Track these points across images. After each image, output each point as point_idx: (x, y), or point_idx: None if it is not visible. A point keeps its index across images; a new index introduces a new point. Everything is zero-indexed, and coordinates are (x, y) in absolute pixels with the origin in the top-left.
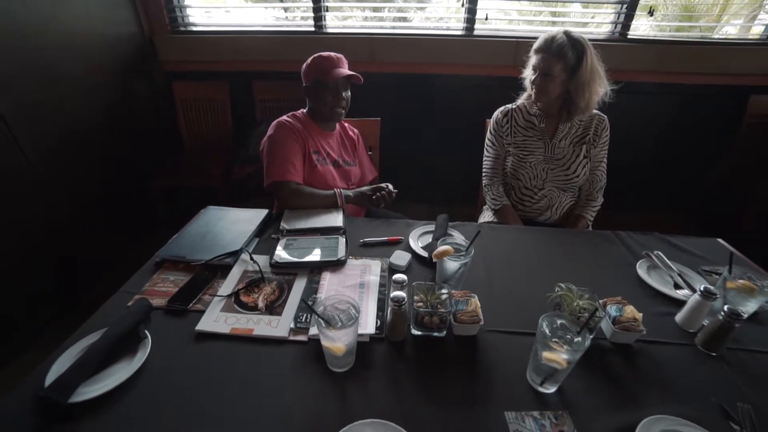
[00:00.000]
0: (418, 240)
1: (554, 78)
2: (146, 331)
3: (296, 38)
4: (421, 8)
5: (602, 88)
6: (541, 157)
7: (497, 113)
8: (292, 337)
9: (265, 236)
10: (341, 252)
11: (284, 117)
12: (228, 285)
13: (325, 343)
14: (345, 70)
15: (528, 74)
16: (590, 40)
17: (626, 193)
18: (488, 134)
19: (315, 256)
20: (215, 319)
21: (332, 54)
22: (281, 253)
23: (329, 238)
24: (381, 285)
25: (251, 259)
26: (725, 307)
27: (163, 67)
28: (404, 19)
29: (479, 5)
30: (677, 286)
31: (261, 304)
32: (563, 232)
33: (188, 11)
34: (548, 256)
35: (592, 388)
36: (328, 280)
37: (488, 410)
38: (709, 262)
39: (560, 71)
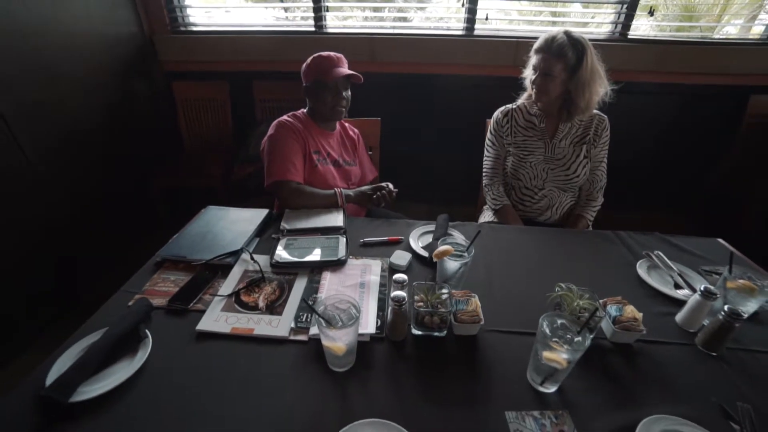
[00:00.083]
0: (418, 240)
1: (554, 78)
2: (147, 331)
3: (296, 38)
4: (422, 8)
5: (602, 88)
6: (541, 157)
7: (497, 113)
8: (292, 337)
9: (266, 236)
10: (342, 252)
11: (284, 117)
12: (228, 285)
13: (325, 342)
14: (345, 70)
15: (528, 74)
16: (590, 40)
17: (626, 193)
18: (488, 134)
19: (315, 255)
20: (216, 319)
21: (332, 54)
22: (282, 253)
23: (330, 237)
24: (381, 285)
25: (252, 258)
26: (725, 307)
27: (163, 67)
28: (404, 19)
29: (479, 5)
30: (677, 286)
31: (261, 303)
32: (563, 232)
33: (188, 11)
34: (548, 256)
35: (593, 388)
36: (328, 279)
37: (488, 410)
38: (710, 262)
39: (560, 71)
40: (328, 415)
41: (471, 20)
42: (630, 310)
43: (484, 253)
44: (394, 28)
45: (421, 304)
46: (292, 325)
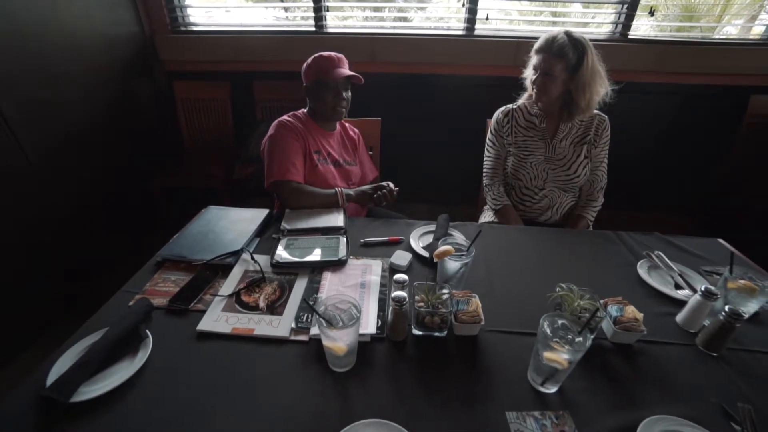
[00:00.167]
0: (418, 240)
1: (555, 78)
2: (147, 331)
3: (297, 38)
4: (422, 8)
5: (603, 88)
6: (541, 158)
7: (498, 113)
8: (293, 337)
9: (266, 236)
10: (342, 252)
11: (285, 117)
12: (229, 285)
13: (326, 342)
14: (345, 71)
15: (529, 74)
16: (591, 40)
17: (627, 193)
18: (489, 134)
19: (316, 255)
20: (216, 319)
21: (333, 54)
22: (282, 253)
23: (330, 238)
24: (382, 285)
25: (252, 258)
26: (726, 308)
27: (164, 66)
28: (405, 19)
29: (480, 5)
30: (678, 287)
31: (262, 303)
32: (564, 232)
33: (189, 11)
34: (549, 256)
35: (593, 388)
36: (329, 279)
37: (489, 410)
38: (710, 263)
39: (561, 71)
40: (328, 415)
41: (471, 20)
42: (631, 311)
43: (485, 253)
44: (394, 28)
45: (421, 304)
46: (293, 325)
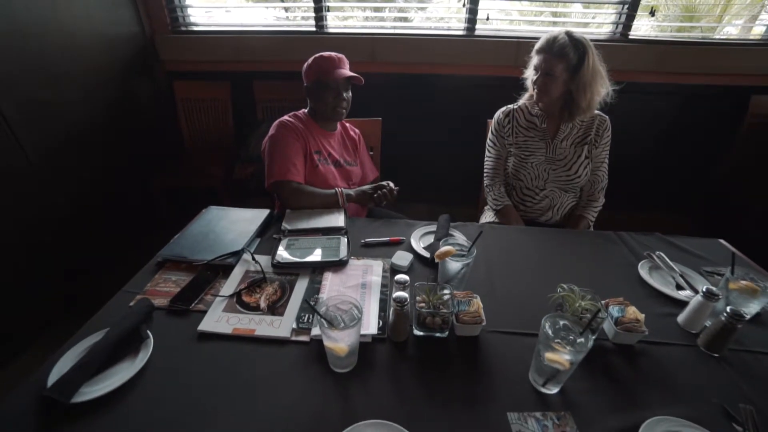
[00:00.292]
0: (419, 240)
1: (556, 78)
2: (148, 332)
3: (297, 38)
4: (422, 8)
5: (604, 89)
6: (542, 158)
7: (499, 113)
8: (294, 338)
9: (267, 236)
10: (343, 252)
11: (285, 117)
12: (230, 285)
13: (327, 343)
14: (346, 71)
15: (529, 74)
16: (591, 40)
17: (627, 193)
18: (489, 134)
19: (317, 256)
20: (217, 320)
21: (333, 54)
22: (283, 253)
23: (331, 238)
24: (383, 285)
25: (253, 259)
26: (728, 308)
27: (164, 66)
28: (405, 19)
29: (480, 5)
30: (679, 287)
31: (263, 304)
32: (565, 233)
33: (189, 11)
34: (550, 256)
35: (595, 389)
36: (330, 280)
37: (491, 411)
38: (711, 263)
39: (562, 71)
40: (329, 416)
41: (472, 20)
42: (632, 311)
43: (486, 253)
44: (394, 28)
45: (422, 304)
46: (294, 325)
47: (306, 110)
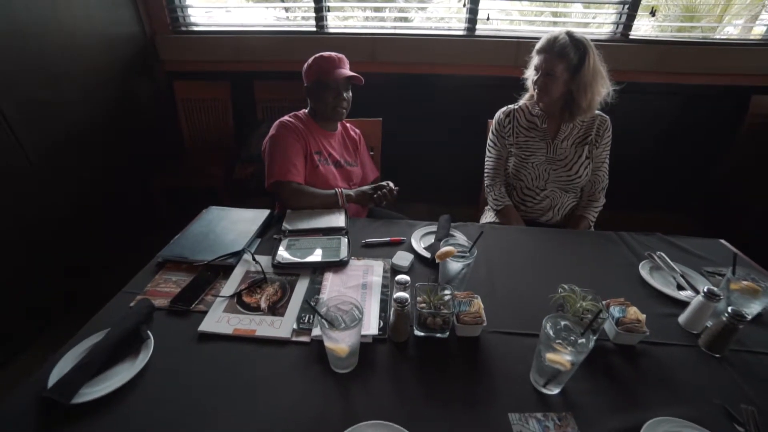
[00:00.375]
0: (420, 241)
1: (556, 78)
2: (149, 332)
3: (297, 38)
4: (423, 8)
5: (604, 89)
6: (543, 158)
7: (499, 113)
8: (294, 338)
9: (267, 236)
10: (343, 252)
11: (286, 117)
12: (230, 285)
13: (328, 344)
14: (346, 71)
15: (530, 75)
16: (592, 40)
17: (628, 193)
18: (490, 134)
19: (317, 256)
20: (218, 320)
21: (333, 54)
22: (283, 254)
23: (331, 238)
24: (383, 286)
25: (253, 259)
26: (729, 309)
27: (164, 66)
28: (405, 20)
29: (480, 5)
30: (680, 287)
31: (263, 304)
32: (565, 233)
33: (189, 11)
34: (551, 256)
35: (596, 390)
36: (330, 280)
37: (491, 412)
38: (712, 263)
39: (562, 71)
40: (330, 416)
41: (472, 20)
42: (633, 312)
43: (486, 253)
44: (395, 28)
45: (423, 305)
46: (295, 326)
47: (306, 110)
